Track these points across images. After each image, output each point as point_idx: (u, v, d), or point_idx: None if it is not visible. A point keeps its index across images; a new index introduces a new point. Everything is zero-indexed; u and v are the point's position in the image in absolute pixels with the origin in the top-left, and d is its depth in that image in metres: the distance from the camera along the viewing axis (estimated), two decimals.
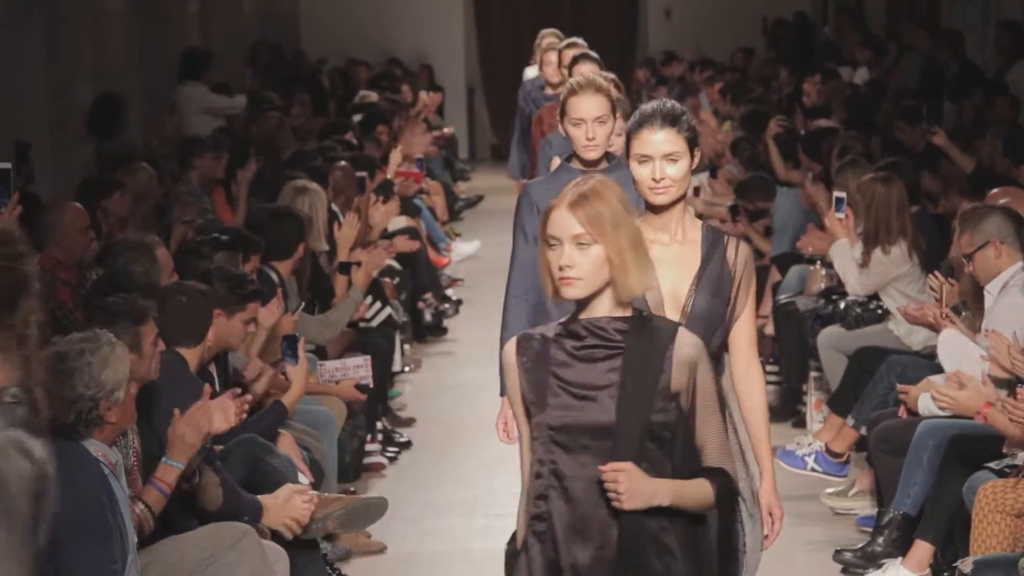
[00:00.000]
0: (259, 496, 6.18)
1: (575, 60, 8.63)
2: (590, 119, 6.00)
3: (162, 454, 5.68)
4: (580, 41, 9.46)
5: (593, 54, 8.73)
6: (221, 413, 5.74)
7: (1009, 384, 6.67)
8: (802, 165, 11.44)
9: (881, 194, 8.68)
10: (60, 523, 4.87)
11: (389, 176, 12.27)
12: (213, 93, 13.84)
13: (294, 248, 8.43)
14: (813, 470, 8.34)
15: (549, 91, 11.02)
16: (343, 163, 11.06)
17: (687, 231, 4.85)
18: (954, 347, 7.16)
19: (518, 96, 12.36)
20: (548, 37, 12.15)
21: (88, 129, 11.90)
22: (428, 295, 12.58)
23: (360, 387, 8.32)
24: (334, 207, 10.12)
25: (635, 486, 3.95)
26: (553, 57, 11.01)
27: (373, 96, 16.12)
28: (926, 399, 7.21)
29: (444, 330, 12.55)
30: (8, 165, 6.37)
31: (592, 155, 6.02)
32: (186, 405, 5.76)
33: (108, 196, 8.59)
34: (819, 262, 9.78)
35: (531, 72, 13.16)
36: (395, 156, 12.71)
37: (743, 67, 18.83)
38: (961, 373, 6.63)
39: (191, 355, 6.41)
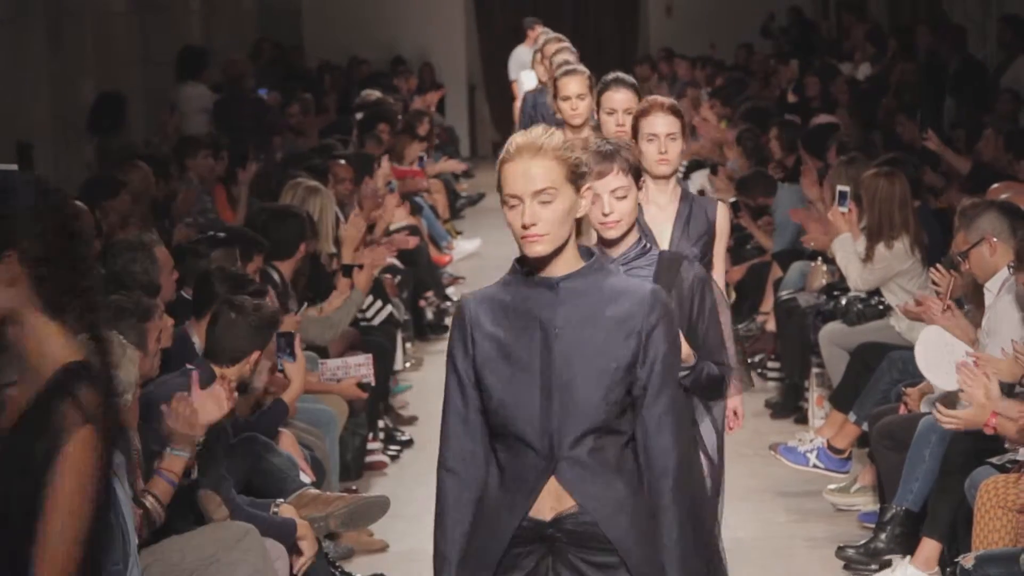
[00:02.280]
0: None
1: (605, 86, 6.82)
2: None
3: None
4: (567, 48, 7.92)
5: (628, 78, 6.90)
6: (214, 401, 5.73)
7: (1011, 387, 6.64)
8: (803, 161, 11.44)
9: (884, 189, 8.67)
10: None
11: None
12: (212, 92, 13.84)
13: (296, 248, 8.42)
14: (815, 466, 8.33)
15: None
16: (341, 161, 11.06)
17: None
18: (933, 347, 7.07)
19: (520, 112, 10.96)
20: (551, 43, 10.66)
21: (89, 128, 11.91)
22: (429, 293, 12.59)
23: (362, 385, 8.32)
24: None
25: None
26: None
27: (375, 94, 16.12)
28: (929, 398, 7.21)
29: (446, 328, 12.55)
30: (15, 167, 6.36)
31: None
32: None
33: (115, 197, 8.61)
34: (820, 258, 9.77)
35: (529, 80, 12.08)
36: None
37: (745, 64, 18.84)
38: (974, 359, 6.56)
39: (224, 376, 6.22)
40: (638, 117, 5.89)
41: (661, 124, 5.73)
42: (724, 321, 5.32)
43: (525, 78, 12.64)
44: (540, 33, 13.27)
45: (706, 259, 5.78)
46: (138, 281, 6.78)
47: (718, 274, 5.82)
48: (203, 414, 5.69)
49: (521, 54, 17.53)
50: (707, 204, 5.90)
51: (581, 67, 7.87)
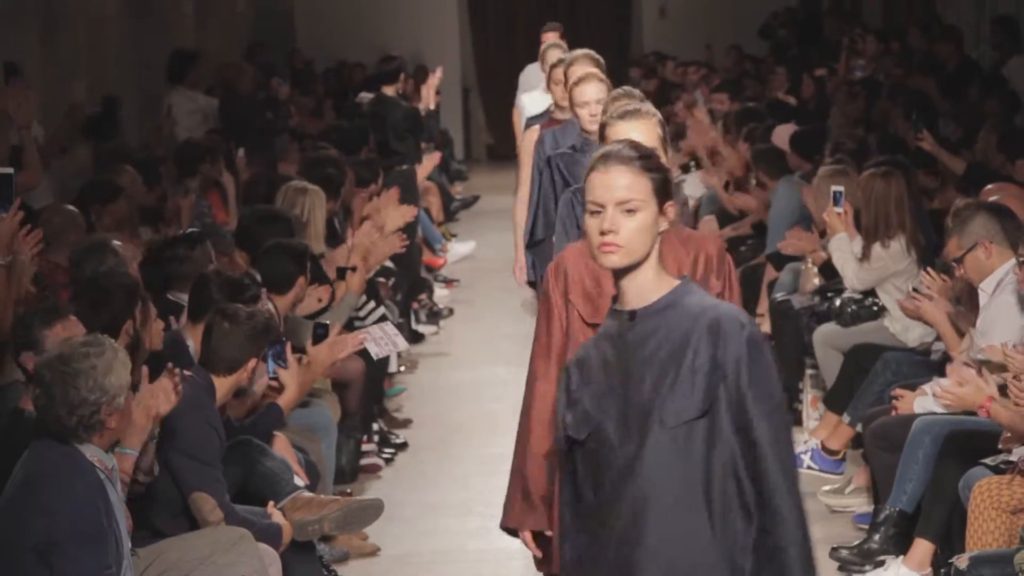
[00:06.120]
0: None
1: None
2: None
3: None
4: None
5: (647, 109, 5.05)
6: (164, 394, 5.68)
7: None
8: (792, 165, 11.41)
9: (880, 189, 8.68)
10: (56, 526, 4.91)
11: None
12: (204, 96, 13.81)
13: None
14: (809, 468, 8.33)
15: None
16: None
17: None
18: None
19: (533, 151, 7.90)
20: (580, 61, 7.52)
21: (87, 133, 11.89)
22: (423, 296, 12.59)
23: (369, 365, 8.43)
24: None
25: None
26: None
27: (369, 96, 16.10)
28: (922, 400, 7.22)
29: (437, 320, 12.62)
30: (11, 170, 6.33)
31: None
32: (196, 425, 5.84)
33: (114, 201, 8.60)
34: (809, 261, 9.78)
35: (535, 101, 10.15)
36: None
37: (738, 65, 18.82)
38: (962, 368, 6.62)
39: (221, 383, 6.29)
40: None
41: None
42: None
43: (528, 101, 10.52)
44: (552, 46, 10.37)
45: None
46: (120, 282, 6.68)
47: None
48: (152, 407, 5.64)
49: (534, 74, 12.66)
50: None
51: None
